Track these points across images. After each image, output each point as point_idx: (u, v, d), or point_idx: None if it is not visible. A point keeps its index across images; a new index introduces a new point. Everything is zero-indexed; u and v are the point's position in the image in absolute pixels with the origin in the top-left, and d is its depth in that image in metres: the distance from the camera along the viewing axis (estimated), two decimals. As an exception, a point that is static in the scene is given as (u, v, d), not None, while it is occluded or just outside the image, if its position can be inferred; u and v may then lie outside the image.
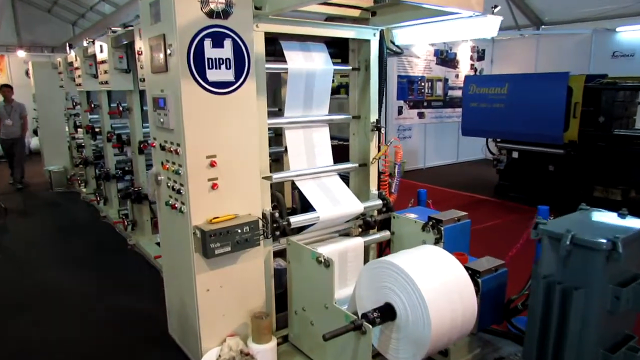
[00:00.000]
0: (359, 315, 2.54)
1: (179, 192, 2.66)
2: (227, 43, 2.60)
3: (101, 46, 4.98)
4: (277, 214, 3.01)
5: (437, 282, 2.55)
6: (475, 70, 11.13)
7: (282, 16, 2.91)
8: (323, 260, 2.73)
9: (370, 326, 2.44)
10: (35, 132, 8.55)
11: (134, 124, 5.17)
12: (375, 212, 3.63)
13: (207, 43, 2.53)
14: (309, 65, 3.32)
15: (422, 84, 10.44)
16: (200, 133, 2.58)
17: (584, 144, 7.11)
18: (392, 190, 3.73)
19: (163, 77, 2.67)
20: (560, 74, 7.13)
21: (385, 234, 3.60)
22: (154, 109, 2.83)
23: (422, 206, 4.31)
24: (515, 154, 8.16)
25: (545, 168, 7.70)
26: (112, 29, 4.98)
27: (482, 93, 8.12)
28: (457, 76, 10.86)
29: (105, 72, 4.94)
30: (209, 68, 2.55)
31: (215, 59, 2.57)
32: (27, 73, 13.11)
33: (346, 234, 3.60)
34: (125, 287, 4.58)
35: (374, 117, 3.60)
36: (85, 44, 6.04)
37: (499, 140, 8.46)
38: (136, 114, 5.14)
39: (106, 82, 4.98)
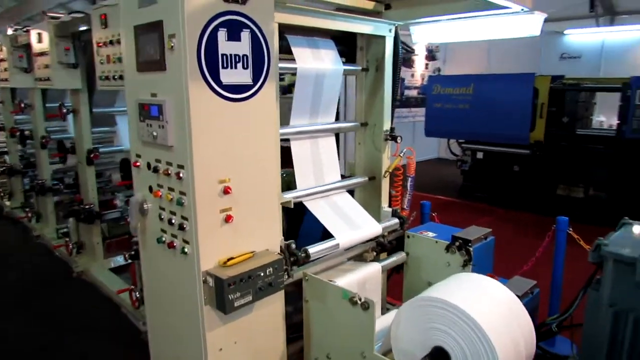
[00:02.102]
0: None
1: (181, 228, 2.05)
2: (245, 36, 2.02)
3: (39, 35, 4.12)
4: (293, 245, 2.48)
5: (497, 317, 2.18)
6: (439, 70, 11.05)
7: (294, 4, 2.38)
8: (360, 302, 2.25)
9: (430, 381, 2.00)
10: None
11: (82, 130, 4.35)
12: (386, 232, 3.19)
13: (222, 35, 1.94)
14: (318, 64, 2.81)
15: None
16: (212, 152, 1.99)
17: (549, 144, 7.13)
18: (405, 206, 3.31)
19: (158, 78, 2.04)
20: (526, 75, 7.10)
21: (401, 256, 3.17)
22: (140, 118, 2.18)
23: (427, 220, 3.94)
24: (480, 155, 8.09)
25: (510, 168, 7.69)
26: (50, 14, 4.11)
27: (446, 93, 7.96)
28: (412, 76, 10.71)
29: (46, 66, 4.08)
30: (222, 67, 1.96)
31: (231, 55, 1.99)
32: None
33: (356, 258, 3.13)
34: (85, 332, 3.78)
35: (387, 124, 3.15)
36: (10, 31, 5.07)
37: (462, 141, 8.36)
38: (84, 118, 4.33)
39: (47, 79, 4.12)
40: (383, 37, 3.03)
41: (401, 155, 3.21)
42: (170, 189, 2.10)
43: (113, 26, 2.98)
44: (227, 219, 2.07)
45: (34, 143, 5.54)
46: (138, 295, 3.57)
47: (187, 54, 1.85)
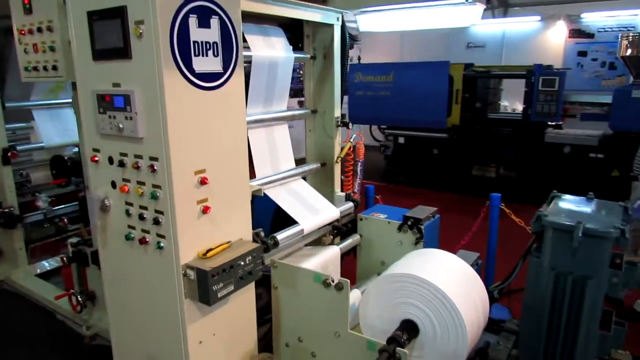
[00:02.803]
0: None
1: (156, 222, 1.97)
2: (214, 22, 1.98)
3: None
4: (262, 233, 2.49)
5: (459, 286, 2.39)
6: (359, 58, 11.29)
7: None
8: (333, 283, 2.32)
9: (406, 351, 2.14)
10: None
11: (-3, 126, 3.94)
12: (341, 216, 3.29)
13: (192, 21, 1.88)
14: (271, 52, 2.81)
15: (301, 72, 10.23)
16: (187, 142, 1.94)
17: (464, 128, 7.68)
18: (355, 190, 3.43)
19: (121, 67, 1.93)
20: (442, 63, 7.54)
21: (356, 238, 3.29)
22: (100, 110, 2.05)
23: (371, 203, 4.11)
24: (401, 140, 8.50)
25: (430, 152, 8.18)
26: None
27: (367, 81, 8.21)
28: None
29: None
30: (194, 55, 1.91)
31: (202, 42, 1.94)
32: None
33: (313, 243, 3.20)
34: (20, 344, 3.47)
35: (337, 111, 3.24)
36: None
37: (385, 127, 8.71)
38: (-3, 113, 3.93)
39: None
40: (331, 25, 3.10)
41: (351, 141, 3.32)
42: (140, 183, 2.00)
43: (40, 11, 2.74)
44: (205, 210, 2.03)
45: None
46: (80, 299, 3.36)
47: (159, 41, 1.78)
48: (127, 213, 2.09)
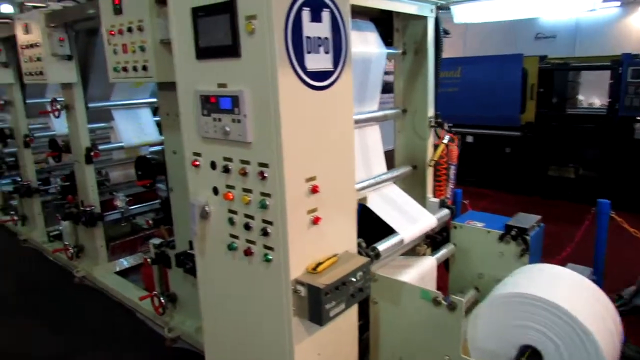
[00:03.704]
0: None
1: (264, 233, 1.83)
2: (325, 16, 1.81)
3: (26, 25, 3.71)
4: (364, 244, 2.31)
5: (595, 314, 2.10)
6: None
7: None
8: (444, 302, 2.11)
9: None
10: None
11: (78, 127, 3.99)
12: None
13: (305, 15, 1.73)
14: (365, 48, 2.63)
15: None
16: (299, 147, 1.78)
17: (540, 125, 7.20)
18: (448, 196, 3.19)
19: (229, 66, 1.80)
20: (515, 56, 7.10)
21: (451, 248, 3.05)
22: (204, 112, 1.93)
23: (458, 208, 3.85)
24: (469, 139, 8.09)
25: (502, 151, 7.73)
26: (33, 4, 3.73)
27: (434, 77, 7.87)
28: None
29: (38, 59, 3.68)
30: (307, 52, 1.75)
31: (314, 38, 1.77)
32: None
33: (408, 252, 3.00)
34: (102, 341, 3.50)
35: (430, 110, 3.01)
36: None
37: (451, 125, 8.33)
38: (80, 114, 3.97)
39: (38, 73, 3.72)
40: (424, 18, 2.87)
41: (444, 142, 3.08)
42: (247, 190, 1.87)
43: (130, 11, 2.68)
44: (315, 220, 1.87)
45: (16, 142, 5.09)
46: (162, 301, 3.33)
47: (274, 37, 1.63)
48: (231, 221, 1.97)
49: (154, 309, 3.41)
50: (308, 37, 1.74)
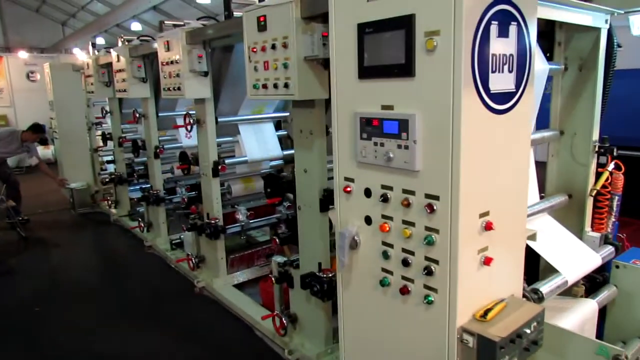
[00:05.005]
0: None
1: (428, 272, 1.64)
2: (512, 30, 1.60)
3: (168, 43, 3.91)
4: (526, 285, 2.03)
5: None
6: None
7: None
8: (630, 363, 1.76)
9: None
10: (43, 142, 7.34)
11: (208, 140, 4.12)
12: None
13: (493, 30, 1.52)
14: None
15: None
16: (477, 178, 1.57)
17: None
18: (609, 230, 2.77)
19: (399, 86, 1.65)
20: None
21: (612, 290, 2.63)
22: (362, 135, 1.80)
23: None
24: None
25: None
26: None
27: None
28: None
29: (177, 75, 3.87)
30: (492, 71, 1.54)
31: (499, 55, 1.56)
32: (28, 76, 11.91)
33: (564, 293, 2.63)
34: (222, 354, 3.53)
35: (595, 133, 2.64)
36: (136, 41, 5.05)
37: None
38: (210, 128, 4.11)
39: (177, 88, 3.91)
40: (595, 30, 2.52)
41: (609, 169, 2.69)
42: (408, 223, 1.69)
43: (275, 28, 2.65)
44: (486, 261, 1.64)
45: (147, 152, 5.44)
46: (284, 322, 3.27)
47: (461, 55, 1.44)
48: (385, 255, 1.80)
49: (275, 328, 3.36)
50: (494, 55, 1.53)
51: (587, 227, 2.73)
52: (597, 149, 2.63)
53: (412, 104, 1.60)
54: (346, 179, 1.94)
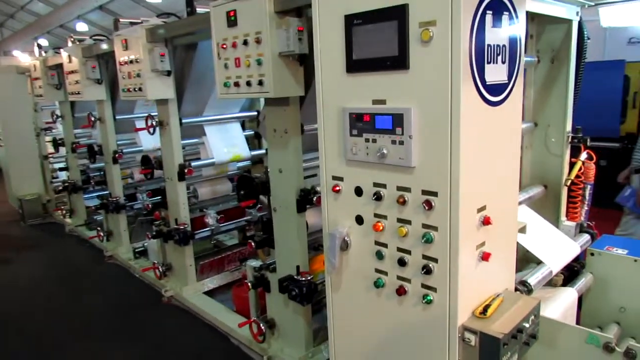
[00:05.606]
0: None
1: (426, 271, 1.59)
2: (505, 20, 1.57)
3: (126, 41, 3.70)
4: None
5: None
6: None
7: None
8: (618, 348, 1.78)
9: None
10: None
11: (172, 143, 3.94)
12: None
13: (488, 20, 1.48)
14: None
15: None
16: (473, 172, 1.53)
17: (643, 136, 6.58)
18: (582, 219, 2.83)
19: (392, 80, 1.58)
20: (616, 62, 6.55)
21: (589, 277, 2.68)
22: (352, 132, 1.72)
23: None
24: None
25: (597, 164, 7.12)
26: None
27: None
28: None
29: (138, 75, 3.66)
30: (487, 62, 1.51)
31: (494, 46, 1.53)
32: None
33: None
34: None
35: (568, 125, 2.68)
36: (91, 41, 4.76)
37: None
38: (174, 130, 3.92)
39: (138, 89, 3.70)
40: (566, 22, 2.56)
41: (581, 159, 2.74)
42: (404, 221, 1.64)
43: (247, 23, 2.53)
44: (484, 257, 1.61)
45: (104, 158, 5.16)
46: (262, 328, 3.16)
47: (459, 45, 1.39)
48: (379, 255, 1.74)
49: (253, 335, 3.24)
50: (489, 45, 1.50)
51: (563, 217, 2.77)
52: (570, 139, 2.67)
53: (407, 98, 1.54)
54: (334, 177, 1.86)
